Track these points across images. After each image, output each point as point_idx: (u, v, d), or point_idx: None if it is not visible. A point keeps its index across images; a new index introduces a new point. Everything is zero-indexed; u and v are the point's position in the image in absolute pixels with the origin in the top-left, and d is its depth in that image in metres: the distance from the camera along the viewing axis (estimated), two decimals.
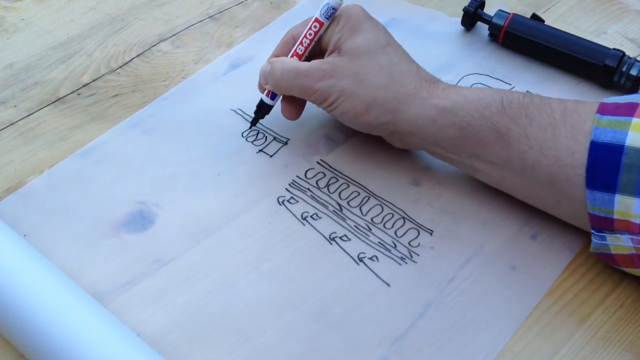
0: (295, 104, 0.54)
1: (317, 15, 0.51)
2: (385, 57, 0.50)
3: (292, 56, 0.52)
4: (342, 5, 0.52)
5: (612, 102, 0.45)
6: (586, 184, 0.44)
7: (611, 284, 0.48)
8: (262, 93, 0.54)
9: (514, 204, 0.51)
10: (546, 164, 0.45)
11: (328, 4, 0.51)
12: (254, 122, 0.55)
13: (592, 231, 0.45)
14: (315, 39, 0.52)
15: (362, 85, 0.49)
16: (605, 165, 0.43)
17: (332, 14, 0.51)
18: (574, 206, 0.46)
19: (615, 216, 0.43)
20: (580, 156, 0.44)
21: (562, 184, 0.45)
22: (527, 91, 0.60)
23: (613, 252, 0.45)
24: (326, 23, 0.51)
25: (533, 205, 0.49)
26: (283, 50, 0.54)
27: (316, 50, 0.53)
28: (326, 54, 0.52)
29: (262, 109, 0.55)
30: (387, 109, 0.49)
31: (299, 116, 0.54)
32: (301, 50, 0.52)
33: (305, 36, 0.52)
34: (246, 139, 0.56)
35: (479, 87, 0.50)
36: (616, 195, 0.43)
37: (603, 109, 0.45)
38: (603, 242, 0.45)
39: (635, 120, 0.43)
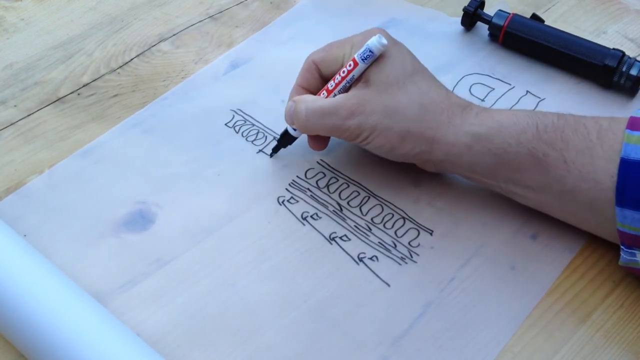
0: (321, 137, 0.52)
1: (355, 55, 0.49)
2: (414, 86, 0.48)
3: (320, 92, 0.50)
4: (366, 31, 0.50)
5: None
6: (616, 201, 0.43)
7: (611, 284, 0.48)
8: (289, 125, 0.52)
9: (514, 203, 0.51)
10: (586, 188, 0.44)
11: (369, 48, 0.48)
12: (275, 151, 0.54)
13: (622, 247, 0.45)
14: (348, 78, 0.49)
15: (394, 118, 0.47)
16: (635, 183, 0.42)
17: (369, 57, 0.48)
18: (613, 225, 0.45)
19: None
20: None
21: (602, 207, 0.44)
22: (527, 91, 0.60)
23: None
24: (361, 65, 0.49)
25: (574, 226, 0.49)
26: (305, 77, 0.52)
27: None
28: (353, 84, 0.50)
29: (286, 139, 0.53)
30: (422, 139, 0.48)
31: (326, 146, 0.53)
32: (332, 86, 0.50)
33: (339, 74, 0.50)
34: (246, 139, 0.56)
35: (512, 110, 0.48)
36: None
37: (633, 124, 0.44)
38: (632, 258, 0.45)
39: None
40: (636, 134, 0.43)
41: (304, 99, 0.50)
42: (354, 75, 0.49)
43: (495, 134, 0.46)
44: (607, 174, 0.43)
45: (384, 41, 0.48)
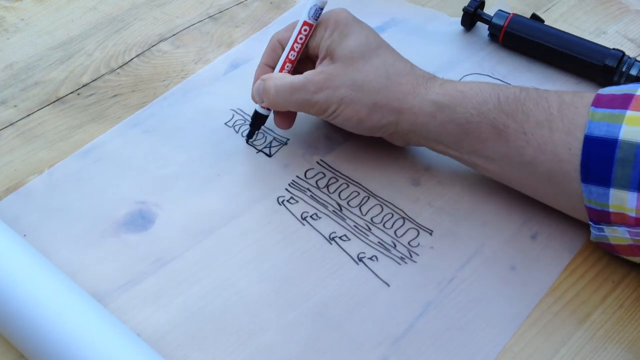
0: (288, 114, 0.53)
1: (304, 18, 0.51)
2: (379, 59, 0.49)
3: (284, 63, 0.52)
4: (328, 11, 0.51)
5: (607, 93, 0.45)
6: (581, 177, 0.44)
7: (611, 284, 0.48)
8: (256, 104, 0.53)
9: (513, 203, 0.51)
10: (544, 160, 0.45)
11: (315, 4, 0.50)
12: (250, 135, 0.55)
13: (590, 223, 0.46)
14: (306, 42, 0.51)
15: (361, 90, 0.48)
16: (599, 159, 0.43)
17: (319, 15, 0.51)
18: (572, 200, 0.46)
19: (611, 209, 0.43)
20: (577, 151, 0.44)
21: (560, 179, 0.45)
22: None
23: (612, 242, 0.45)
24: (314, 25, 0.51)
25: (532, 197, 0.50)
26: (271, 56, 0.53)
27: (302, 56, 0.52)
28: (318, 61, 0.51)
29: (258, 120, 0.54)
30: (389, 110, 0.49)
31: (292, 125, 0.54)
32: (293, 56, 0.52)
33: (295, 41, 0.51)
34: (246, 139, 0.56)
35: (476, 82, 0.49)
36: (611, 189, 0.43)
37: (598, 101, 0.44)
38: (601, 233, 0.45)
39: (629, 113, 0.43)
40: (600, 110, 0.44)
41: (272, 76, 0.51)
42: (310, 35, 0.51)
43: (458, 104, 0.47)
44: (564, 145, 0.44)
45: None
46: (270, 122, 0.56)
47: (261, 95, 0.52)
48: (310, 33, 0.51)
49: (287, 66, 0.52)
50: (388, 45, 0.51)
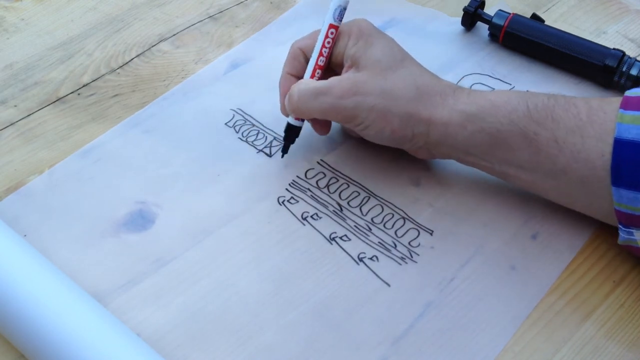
0: (323, 120, 0.52)
1: (329, 21, 0.49)
2: (406, 70, 0.49)
3: (314, 70, 0.50)
4: (349, 20, 0.50)
5: (636, 96, 0.44)
6: (612, 181, 0.43)
7: (611, 283, 0.48)
8: (288, 117, 0.52)
9: (514, 203, 0.51)
10: (577, 167, 0.45)
11: (339, 5, 0.49)
12: (285, 150, 0.53)
13: (620, 226, 0.45)
14: (333, 46, 0.50)
15: (392, 99, 0.47)
16: (630, 162, 0.43)
17: (343, 16, 0.49)
18: (605, 205, 0.45)
19: None
20: (610, 157, 0.44)
21: (594, 186, 0.45)
22: (528, 91, 0.60)
23: None
24: (340, 27, 0.50)
25: (565, 206, 0.49)
26: (293, 64, 0.52)
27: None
28: (343, 70, 0.50)
29: (291, 132, 0.52)
30: (420, 120, 0.48)
31: (329, 130, 0.53)
32: (322, 62, 0.50)
33: (323, 45, 0.50)
34: (246, 139, 0.56)
35: (503, 90, 0.49)
36: None
37: (626, 103, 0.44)
38: (631, 237, 0.45)
39: None
40: (629, 113, 0.43)
41: (297, 84, 0.50)
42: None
43: (488, 113, 0.47)
44: (597, 152, 0.44)
45: None
46: (270, 122, 0.56)
47: (287, 104, 0.50)
48: (336, 36, 0.50)
49: (318, 72, 0.50)
50: (412, 57, 0.50)
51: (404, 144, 0.50)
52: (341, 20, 0.50)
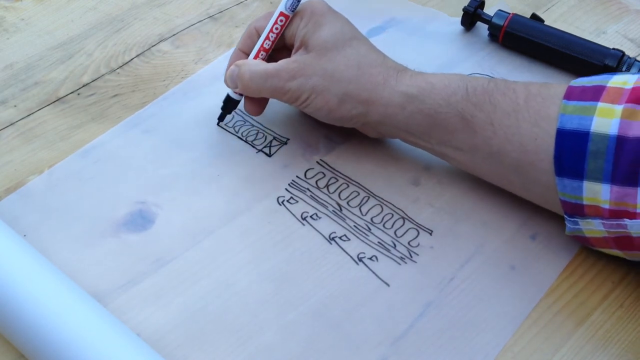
0: (259, 100, 0.54)
1: (281, 8, 0.51)
2: (352, 50, 0.50)
3: (259, 50, 0.53)
4: (305, 1, 0.52)
5: (579, 85, 0.45)
6: (555, 171, 0.44)
7: (610, 284, 0.48)
8: (228, 88, 0.54)
9: (513, 204, 0.51)
10: (511, 150, 0.46)
11: None
12: (221, 118, 0.56)
13: (565, 216, 0.46)
14: (281, 32, 0.52)
15: (332, 80, 0.49)
16: (571, 152, 0.43)
17: (296, 7, 0.51)
18: (541, 190, 0.46)
19: (585, 202, 0.44)
20: (543, 142, 0.44)
21: (527, 169, 0.46)
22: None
23: (587, 235, 0.46)
24: (291, 16, 0.52)
25: (503, 188, 0.50)
26: (247, 43, 0.54)
27: (279, 45, 0.53)
28: (293, 51, 0.52)
29: (230, 104, 0.55)
30: (359, 100, 0.49)
31: (262, 111, 0.54)
32: (268, 45, 0.52)
33: (271, 30, 0.52)
34: (246, 139, 0.56)
35: (445, 74, 0.50)
36: (584, 182, 0.43)
37: (570, 94, 0.45)
38: (576, 226, 0.46)
39: (600, 105, 0.43)
40: (571, 103, 0.44)
41: (247, 62, 0.52)
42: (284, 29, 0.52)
43: (427, 95, 0.48)
44: (531, 136, 0.45)
45: None
46: (270, 122, 0.56)
47: (235, 81, 0.52)
48: (286, 24, 0.52)
49: (262, 54, 0.53)
50: (363, 37, 0.52)
51: (345, 122, 0.51)
52: (293, 11, 0.52)
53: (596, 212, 0.44)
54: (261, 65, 0.51)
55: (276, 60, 0.51)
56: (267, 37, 0.52)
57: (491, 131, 0.46)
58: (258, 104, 0.54)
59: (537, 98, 0.46)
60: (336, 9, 0.52)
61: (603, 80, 0.45)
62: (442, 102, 0.48)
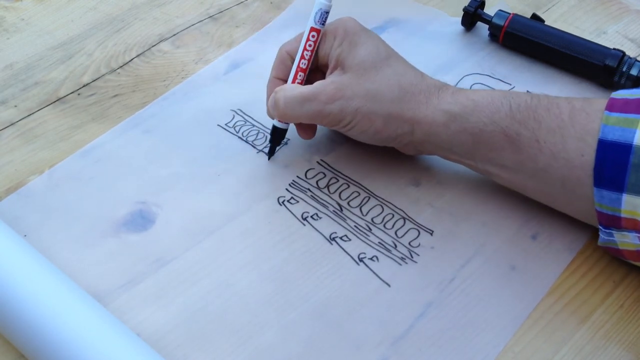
0: (307, 124, 0.52)
1: (310, 24, 0.50)
2: (391, 69, 0.49)
3: (296, 72, 0.51)
4: (336, 19, 0.50)
5: (621, 98, 0.45)
6: (594, 181, 0.44)
7: (611, 284, 0.48)
8: (273, 119, 0.52)
9: (513, 204, 0.51)
10: (557, 167, 0.45)
11: (320, 9, 0.49)
12: (271, 152, 0.53)
13: (600, 227, 0.45)
14: (316, 49, 0.50)
15: (375, 101, 0.48)
16: (613, 164, 0.43)
17: (326, 19, 0.50)
18: (585, 205, 0.46)
19: (623, 215, 0.43)
20: (589, 157, 0.44)
21: (573, 186, 0.45)
22: (527, 91, 0.60)
23: (621, 247, 0.45)
24: (322, 30, 0.50)
25: (546, 204, 0.49)
26: (280, 68, 0.52)
27: (312, 66, 0.52)
28: (328, 72, 0.51)
29: (276, 135, 0.53)
30: (404, 120, 0.48)
31: (314, 135, 0.53)
32: (304, 64, 0.50)
33: (305, 48, 0.50)
34: (246, 139, 0.56)
35: (487, 90, 0.49)
36: (624, 194, 0.43)
37: (612, 105, 0.44)
38: (610, 238, 0.45)
39: None
40: (614, 115, 0.44)
41: (282, 88, 0.50)
42: (318, 44, 0.50)
43: (470, 113, 0.47)
44: (577, 152, 0.44)
45: None
46: (270, 122, 0.56)
47: (273, 109, 0.51)
48: (318, 39, 0.50)
49: (300, 75, 0.51)
50: (398, 55, 0.51)
51: (389, 142, 0.50)
52: (323, 24, 0.50)
53: (634, 226, 0.43)
54: (297, 90, 0.49)
55: (311, 82, 0.50)
56: (302, 56, 0.50)
57: (537, 148, 0.46)
58: (308, 127, 0.52)
59: (582, 113, 0.45)
60: (337, 9, 0.52)
61: None
62: (486, 120, 0.47)
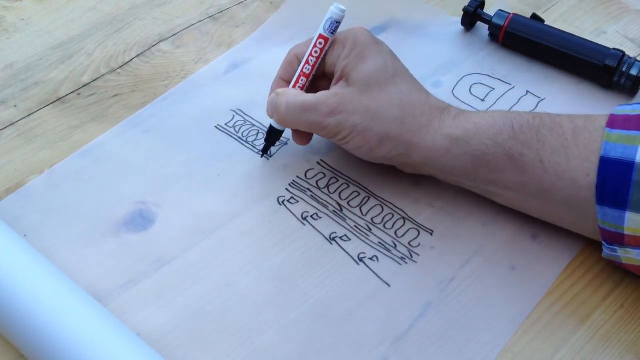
0: (304, 132, 0.52)
1: (320, 31, 0.50)
2: (395, 88, 0.48)
3: (299, 76, 0.51)
4: (348, 29, 0.50)
5: (621, 114, 0.44)
6: (596, 199, 0.43)
7: (611, 284, 0.48)
8: (271, 119, 0.52)
9: None
10: (562, 187, 0.45)
11: (331, 18, 0.49)
12: (265, 150, 0.54)
13: (604, 243, 0.45)
14: (322, 56, 0.50)
15: (374, 119, 0.47)
16: (615, 182, 0.42)
17: (336, 28, 0.49)
18: (592, 224, 0.45)
19: (626, 232, 0.43)
20: (595, 177, 0.43)
21: (579, 205, 0.45)
22: (527, 92, 0.60)
23: (624, 262, 0.45)
24: (331, 39, 0.50)
25: (551, 223, 0.49)
26: (287, 70, 0.52)
27: (319, 72, 0.51)
28: (333, 81, 0.50)
29: (273, 135, 0.53)
30: (401, 142, 0.48)
31: (309, 141, 0.53)
32: (308, 70, 0.50)
33: (310, 54, 0.50)
34: (246, 139, 0.56)
35: (488, 112, 0.48)
36: (627, 212, 0.42)
37: (613, 122, 0.44)
38: (614, 253, 0.45)
39: None
40: (615, 132, 0.43)
41: (286, 92, 0.50)
42: (326, 52, 0.50)
43: (472, 136, 0.47)
44: (582, 172, 0.44)
45: (342, 7, 0.49)
46: (270, 122, 0.56)
47: (272, 110, 0.51)
48: (325, 47, 0.50)
49: (302, 80, 0.51)
50: (406, 72, 0.50)
51: (385, 161, 0.50)
52: (333, 33, 0.50)
53: (637, 243, 0.43)
54: (300, 97, 0.49)
55: (316, 88, 0.50)
56: (307, 62, 0.50)
57: (541, 169, 0.45)
58: (305, 133, 0.52)
59: (585, 132, 0.44)
60: None
61: None
62: (489, 143, 0.46)
